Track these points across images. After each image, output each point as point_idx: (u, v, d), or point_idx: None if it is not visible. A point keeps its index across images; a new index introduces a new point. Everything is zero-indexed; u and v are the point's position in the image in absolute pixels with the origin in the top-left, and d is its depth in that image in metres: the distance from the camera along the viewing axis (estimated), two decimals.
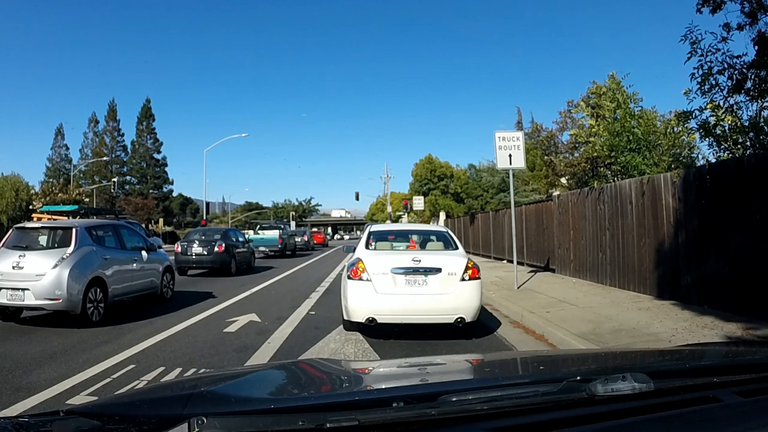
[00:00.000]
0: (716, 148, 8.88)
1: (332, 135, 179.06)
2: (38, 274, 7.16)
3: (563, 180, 21.32)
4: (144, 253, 9.25)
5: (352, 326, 6.85)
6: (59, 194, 37.33)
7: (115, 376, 4.98)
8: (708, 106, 8.34)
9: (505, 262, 18.91)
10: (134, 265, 8.91)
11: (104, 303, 7.81)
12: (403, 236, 8.32)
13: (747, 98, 8.10)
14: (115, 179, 60.39)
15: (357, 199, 58.22)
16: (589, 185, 13.23)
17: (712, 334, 6.04)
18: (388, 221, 39.45)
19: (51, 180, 55.65)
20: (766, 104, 8.15)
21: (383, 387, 1.61)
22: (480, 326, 7.05)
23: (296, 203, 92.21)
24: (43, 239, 8.02)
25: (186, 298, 10.27)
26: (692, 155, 13.69)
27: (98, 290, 7.71)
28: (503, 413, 1.19)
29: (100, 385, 4.67)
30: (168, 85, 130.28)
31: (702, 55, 8.02)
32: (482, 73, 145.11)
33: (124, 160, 69.54)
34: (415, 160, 48.14)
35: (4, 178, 35.39)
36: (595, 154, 13.66)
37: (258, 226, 29.41)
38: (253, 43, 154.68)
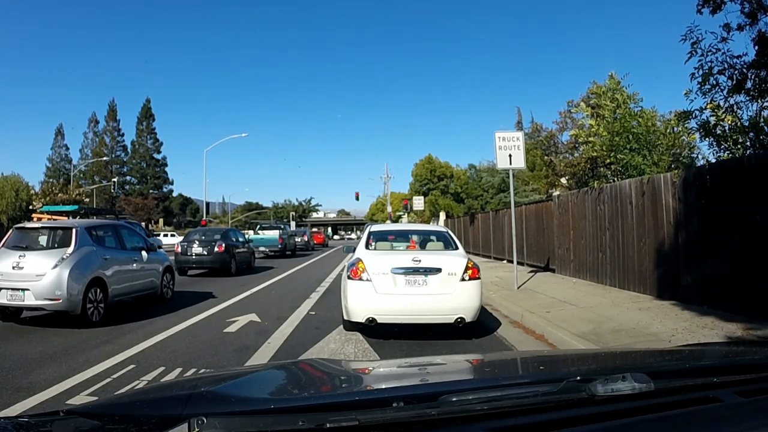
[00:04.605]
0: (716, 148, 8.88)
1: (332, 135, 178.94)
2: (38, 275, 7.16)
3: (563, 180, 21.33)
4: (144, 253, 9.25)
5: (352, 326, 6.85)
6: (59, 194, 37.40)
7: (115, 376, 4.98)
8: (708, 106, 8.34)
9: (505, 262, 18.90)
10: (134, 265, 8.91)
11: (104, 303, 7.81)
12: (403, 236, 8.32)
13: (747, 98, 8.10)
14: (115, 179, 60.46)
15: (357, 199, 58.20)
16: (589, 185, 13.23)
17: (712, 334, 6.04)
18: (388, 221, 39.45)
19: (51, 180, 55.70)
20: (766, 104, 8.14)
21: (383, 387, 1.61)
22: (480, 326, 7.05)
23: (296, 203, 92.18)
24: (43, 239, 8.01)
25: (186, 298, 10.27)
26: (692, 155, 13.69)
27: (98, 290, 7.70)
28: (503, 413, 1.19)
29: (100, 385, 4.67)
30: (168, 85, 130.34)
31: (702, 55, 8.03)
32: (482, 73, 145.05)
33: (124, 160, 69.63)
34: (415, 160, 48.18)
35: (4, 178, 35.41)
36: (595, 154, 13.66)
37: (258, 226, 29.40)
38: (253, 43, 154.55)
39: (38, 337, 6.78)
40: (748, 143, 8.38)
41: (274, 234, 26.21)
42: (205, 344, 6.47)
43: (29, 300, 7.13)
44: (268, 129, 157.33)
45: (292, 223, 55.28)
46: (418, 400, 1.19)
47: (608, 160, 13.26)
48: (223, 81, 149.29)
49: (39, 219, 21.74)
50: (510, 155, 10.53)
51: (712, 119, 8.47)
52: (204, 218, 43.03)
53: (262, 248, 24.38)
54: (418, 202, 39.09)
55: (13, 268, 7.25)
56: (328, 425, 1.08)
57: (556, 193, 18.47)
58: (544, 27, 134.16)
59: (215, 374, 2.71)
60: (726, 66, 7.96)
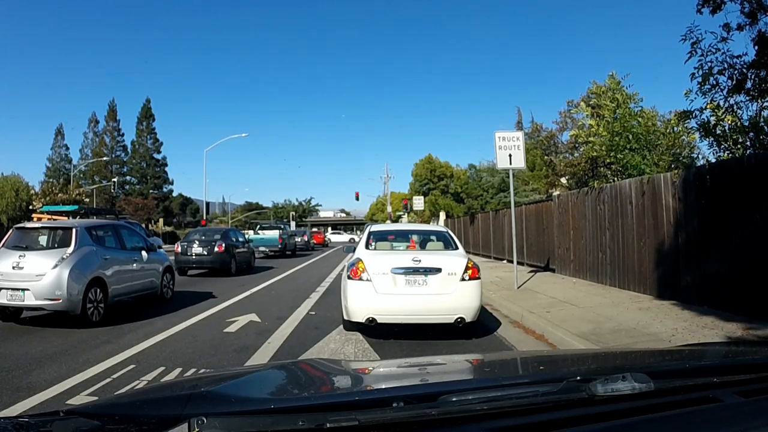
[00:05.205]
0: (716, 148, 8.89)
1: (332, 135, 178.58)
2: (38, 275, 7.16)
3: (563, 180, 21.33)
4: (144, 253, 9.25)
5: (352, 326, 6.85)
6: (59, 194, 37.35)
7: (115, 376, 4.99)
8: (708, 106, 8.34)
9: (505, 262, 18.91)
10: (134, 265, 8.91)
11: (104, 303, 7.81)
12: (403, 236, 8.33)
13: (747, 98, 8.10)
14: (115, 179, 60.37)
15: (357, 199, 58.31)
16: (589, 185, 13.23)
17: (712, 334, 6.05)
18: (388, 221, 39.46)
19: (51, 180, 55.62)
20: (766, 104, 8.14)
21: (383, 387, 1.61)
22: (480, 326, 7.05)
23: (296, 203, 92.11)
24: (43, 239, 8.02)
25: (186, 298, 10.27)
26: (692, 155, 13.70)
27: (98, 290, 7.70)
28: (503, 413, 1.19)
29: (100, 385, 4.68)
30: (168, 85, 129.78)
31: (702, 55, 8.03)
32: (482, 73, 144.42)
33: (124, 160, 69.50)
34: (415, 160, 48.17)
35: (4, 178, 35.36)
36: (595, 154, 13.66)
37: (258, 226, 29.39)
38: (253, 43, 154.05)
39: (38, 337, 6.78)
40: (748, 143, 8.38)
41: (274, 234, 26.21)
42: (205, 344, 6.47)
43: (29, 300, 7.14)
44: (268, 129, 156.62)
45: (292, 223, 55.27)
46: (418, 400, 1.19)
47: (608, 160, 13.27)
48: (223, 81, 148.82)
49: (39, 219, 21.72)
50: (510, 155, 10.54)
51: (712, 119, 8.47)
52: (204, 218, 42.99)
53: (262, 248, 24.39)
54: (418, 202, 39.10)
55: (13, 268, 7.25)
56: (328, 425, 1.08)
57: (556, 193, 18.46)
58: (544, 27, 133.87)
59: (215, 374, 2.71)
60: (726, 66, 7.95)
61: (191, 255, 15.91)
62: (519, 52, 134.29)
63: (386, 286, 6.39)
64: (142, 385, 4.61)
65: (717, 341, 5.25)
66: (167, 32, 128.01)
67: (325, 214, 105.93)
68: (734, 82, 7.95)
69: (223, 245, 15.98)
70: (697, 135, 9.54)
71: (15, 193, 34.33)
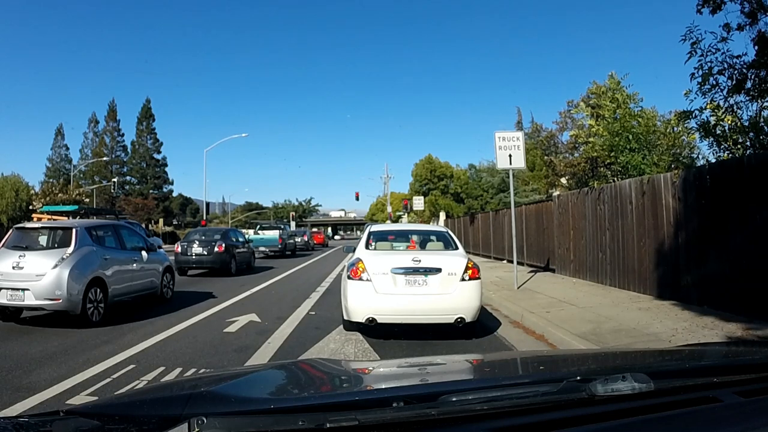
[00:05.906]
0: (716, 148, 8.88)
1: (332, 135, 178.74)
2: (38, 275, 7.16)
3: (563, 180, 21.31)
4: (144, 253, 9.24)
5: (352, 326, 6.85)
6: (59, 194, 37.32)
7: (115, 376, 4.99)
8: (708, 106, 8.33)
9: (505, 262, 18.90)
10: (134, 265, 8.91)
11: (104, 303, 7.81)
12: (403, 236, 8.33)
13: (747, 98, 8.09)
14: (115, 179, 60.29)
15: (357, 199, 58.21)
16: (589, 185, 13.24)
17: (712, 334, 6.05)
18: (388, 221, 39.43)
19: (51, 180, 55.52)
20: (766, 104, 8.14)
21: (383, 387, 1.61)
22: (480, 326, 7.05)
23: (296, 203, 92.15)
24: (43, 239, 8.02)
25: (186, 298, 10.27)
26: (692, 155, 13.71)
27: (98, 290, 7.70)
28: (503, 413, 1.19)
29: (100, 385, 4.67)
30: (168, 85, 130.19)
31: (702, 55, 8.01)
32: (482, 73, 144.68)
33: (124, 160, 69.49)
34: (415, 160, 48.25)
35: (4, 178, 35.36)
36: (595, 154, 13.68)
37: (258, 226, 29.42)
38: (253, 43, 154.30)
39: (38, 337, 6.78)
40: (748, 143, 8.38)
41: (274, 234, 26.22)
42: (205, 344, 6.47)
43: (29, 300, 7.13)
44: (268, 129, 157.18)
45: (292, 224, 55.24)
46: (418, 400, 1.19)
47: (608, 161, 13.27)
48: (223, 81, 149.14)
49: (39, 219, 21.71)
50: (510, 155, 10.54)
51: (712, 119, 8.46)
52: (204, 218, 42.95)
53: (262, 248, 24.39)
54: (418, 202, 39.11)
55: (13, 268, 7.24)
56: (328, 425, 1.08)
57: (556, 193, 18.46)
58: (545, 27, 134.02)
59: (215, 374, 2.71)
60: (726, 66, 7.94)
61: (191, 255, 15.91)
62: (519, 52, 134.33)
63: (386, 286, 6.39)
64: (142, 385, 4.61)
65: (717, 341, 5.25)
66: (167, 32, 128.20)
67: (335, 213, 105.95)
68: (734, 82, 7.94)
69: (223, 245, 15.98)
70: (697, 135, 9.54)
71: (15, 193, 34.35)
